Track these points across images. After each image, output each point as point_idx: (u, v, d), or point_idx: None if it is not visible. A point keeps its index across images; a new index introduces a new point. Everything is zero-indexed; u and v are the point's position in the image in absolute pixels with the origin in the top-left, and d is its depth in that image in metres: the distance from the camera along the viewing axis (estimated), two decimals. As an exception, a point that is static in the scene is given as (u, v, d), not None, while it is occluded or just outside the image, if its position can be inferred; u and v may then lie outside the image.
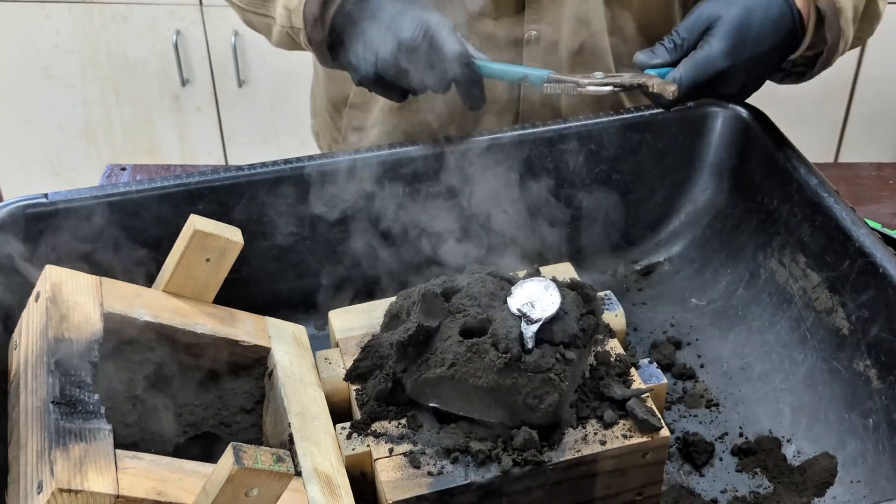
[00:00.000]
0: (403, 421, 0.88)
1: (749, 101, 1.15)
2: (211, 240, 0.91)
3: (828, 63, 1.04)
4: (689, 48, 0.98)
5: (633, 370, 0.93)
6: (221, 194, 1.05)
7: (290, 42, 1.08)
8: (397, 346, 0.88)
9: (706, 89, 0.99)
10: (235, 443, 0.68)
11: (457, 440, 0.86)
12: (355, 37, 1.01)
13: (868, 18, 1.06)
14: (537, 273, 0.98)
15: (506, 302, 0.88)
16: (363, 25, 1.00)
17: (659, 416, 0.87)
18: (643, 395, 0.89)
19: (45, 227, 0.98)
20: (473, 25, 1.15)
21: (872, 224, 1.25)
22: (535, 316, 0.86)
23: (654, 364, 0.95)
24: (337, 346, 0.97)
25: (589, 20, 1.18)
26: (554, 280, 0.90)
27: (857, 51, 2.33)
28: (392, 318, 0.93)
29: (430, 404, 0.88)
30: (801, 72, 1.09)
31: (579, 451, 0.85)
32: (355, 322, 0.98)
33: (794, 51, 1.02)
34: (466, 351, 0.85)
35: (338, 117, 1.38)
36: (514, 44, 1.19)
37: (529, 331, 0.85)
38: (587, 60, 1.22)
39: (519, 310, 0.86)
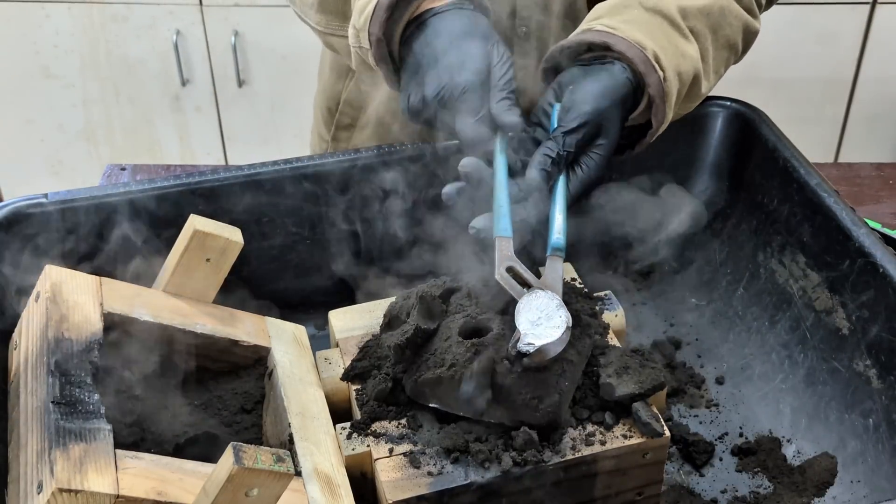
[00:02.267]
0: (403, 421, 0.88)
1: (748, 100, 1.15)
2: (211, 240, 0.91)
3: (645, 145, 1.02)
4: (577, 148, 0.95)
5: (633, 370, 0.93)
6: (221, 194, 1.05)
7: (363, 64, 1.06)
8: (395, 349, 0.88)
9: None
10: (235, 443, 0.68)
11: (457, 440, 0.86)
12: (405, 68, 0.99)
13: (691, 98, 1.05)
14: (537, 274, 0.97)
15: (509, 305, 0.88)
16: (409, 60, 0.98)
17: (662, 422, 0.87)
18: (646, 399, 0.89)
19: (45, 227, 0.98)
20: None
21: (872, 224, 1.25)
22: (539, 341, 0.84)
23: (654, 364, 0.95)
24: (337, 346, 0.97)
25: (577, 19, 1.19)
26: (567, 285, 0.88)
27: (857, 50, 2.34)
28: (391, 319, 0.93)
29: (430, 404, 0.88)
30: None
31: (579, 451, 0.85)
32: (355, 322, 0.98)
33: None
34: (466, 351, 0.85)
35: (329, 116, 1.39)
36: (506, 39, 1.19)
37: (532, 347, 0.84)
38: None
39: (529, 321, 0.85)
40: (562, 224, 0.92)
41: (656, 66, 0.96)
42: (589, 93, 0.95)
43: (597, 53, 0.98)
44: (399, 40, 0.98)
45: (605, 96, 0.95)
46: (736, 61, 1.12)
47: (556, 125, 0.95)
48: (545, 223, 0.93)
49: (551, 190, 0.93)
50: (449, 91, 0.93)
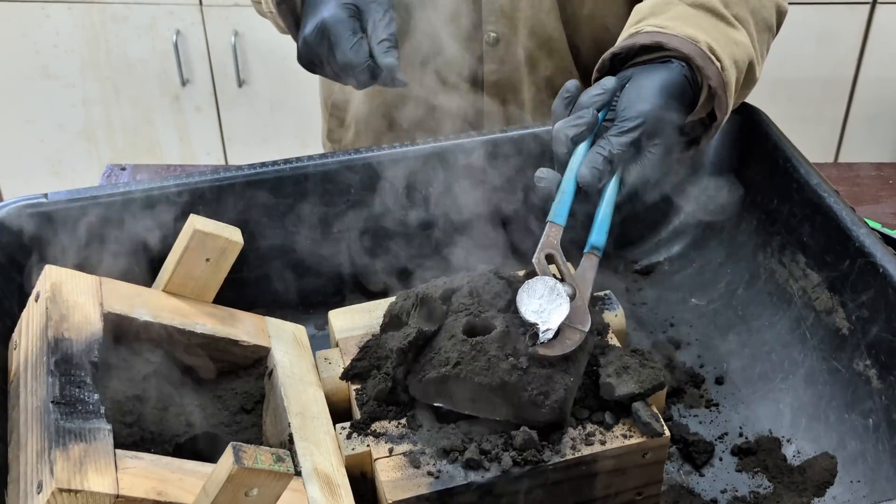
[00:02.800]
0: (403, 421, 0.88)
1: (748, 101, 1.15)
2: (211, 240, 0.91)
3: (710, 138, 1.01)
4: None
5: (633, 370, 0.93)
6: (221, 194, 1.05)
7: (281, 30, 1.10)
8: (397, 353, 0.88)
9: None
10: (235, 443, 0.68)
11: (455, 440, 0.86)
12: (302, 20, 1.04)
13: (747, 85, 1.04)
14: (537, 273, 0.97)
15: (511, 303, 0.88)
16: (303, 10, 1.03)
17: (662, 421, 0.87)
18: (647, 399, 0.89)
19: (45, 227, 0.98)
20: (434, 27, 1.15)
21: (872, 224, 1.25)
22: (544, 327, 0.85)
23: (654, 364, 0.95)
24: (337, 346, 0.97)
25: (544, 23, 1.18)
26: (553, 276, 0.89)
27: (857, 50, 2.34)
28: (392, 319, 0.93)
29: (435, 404, 0.88)
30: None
31: (579, 450, 0.85)
32: (355, 322, 0.98)
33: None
34: (471, 349, 0.85)
35: (329, 116, 1.41)
36: (475, 44, 1.20)
37: (544, 338, 0.85)
38: (546, 64, 1.22)
39: (534, 313, 0.86)
40: (606, 223, 0.92)
41: (712, 57, 0.95)
42: (646, 91, 0.93)
43: (650, 56, 0.97)
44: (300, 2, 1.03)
45: (661, 94, 0.93)
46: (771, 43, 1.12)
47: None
48: (590, 219, 0.92)
49: (602, 188, 0.92)
50: (321, 26, 0.98)
